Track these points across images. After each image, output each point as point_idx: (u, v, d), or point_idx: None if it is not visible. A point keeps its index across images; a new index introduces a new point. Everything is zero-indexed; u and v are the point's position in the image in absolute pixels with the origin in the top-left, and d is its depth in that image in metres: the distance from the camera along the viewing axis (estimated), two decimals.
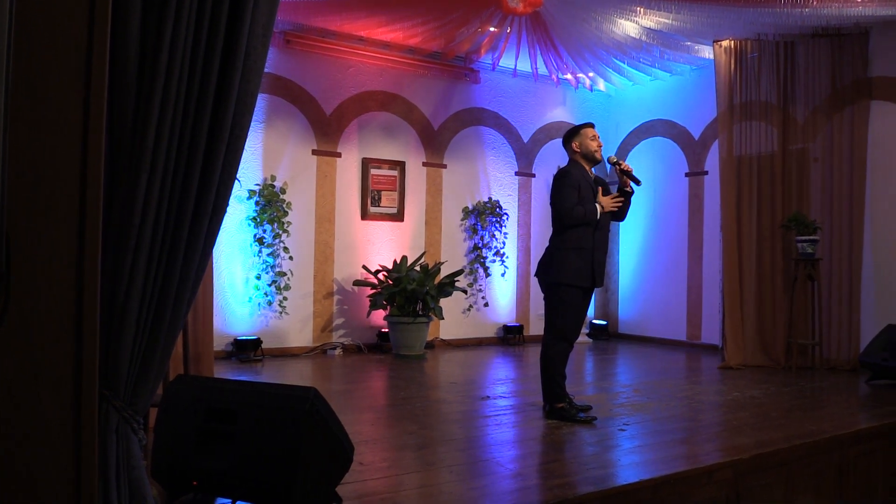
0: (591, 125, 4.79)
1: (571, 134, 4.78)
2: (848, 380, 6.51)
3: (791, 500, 3.99)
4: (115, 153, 2.22)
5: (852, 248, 7.08)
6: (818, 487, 4.17)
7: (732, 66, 7.60)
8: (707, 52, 7.94)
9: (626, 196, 4.77)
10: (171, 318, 2.38)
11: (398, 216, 8.39)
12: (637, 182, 4.75)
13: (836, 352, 7.12)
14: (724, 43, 7.59)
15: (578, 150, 4.73)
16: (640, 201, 9.28)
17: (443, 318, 7.97)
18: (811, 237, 6.97)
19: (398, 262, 8.00)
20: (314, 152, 7.83)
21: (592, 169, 4.77)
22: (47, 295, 1.99)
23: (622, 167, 4.71)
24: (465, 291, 8.51)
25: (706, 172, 8.79)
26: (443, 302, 8.09)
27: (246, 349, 7.12)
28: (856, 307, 7.06)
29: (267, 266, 7.43)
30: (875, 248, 7.13)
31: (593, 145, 4.70)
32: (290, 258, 7.55)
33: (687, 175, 9.03)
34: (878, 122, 7.15)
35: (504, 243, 9.10)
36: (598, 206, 4.58)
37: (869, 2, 6.21)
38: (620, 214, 4.83)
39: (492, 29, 7.49)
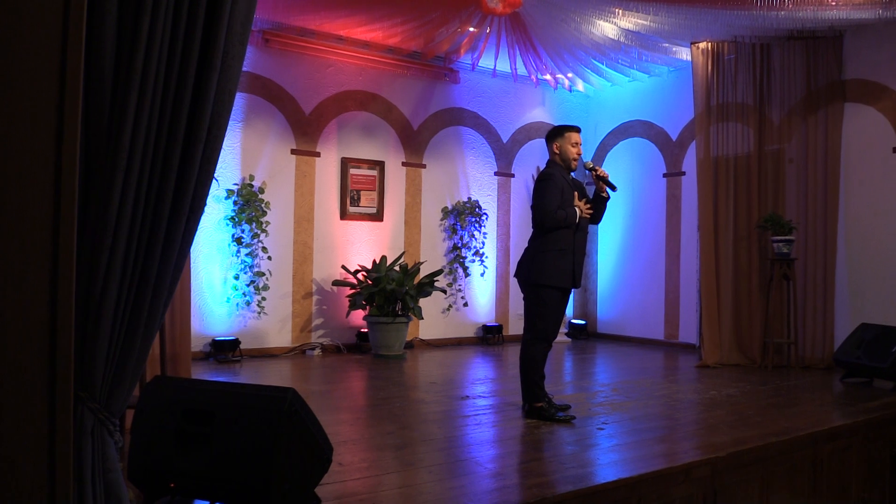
0: (577, 130, 4.78)
1: (555, 134, 4.79)
2: (822, 378, 6.60)
3: (766, 496, 4.04)
4: (90, 151, 2.19)
5: (826, 248, 7.18)
6: (793, 484, 4.23)
7: (709, 67, 7.67)
8: (685, 53, 8.01)
9: (601, 202, 4.80)
10: (147, 319, 2.36)
11: (377, 216, 8.38)
12: (613, 188, 4.78)
13: (810, 350, 7.22)
14: (702, 45, 7.67)
15: (557, 153, 4.75)
16: (619, 202, 9.34)
17: (422, 318, 7.97)
18: (786, 237, 7.05)
19: (377, 262, 7.98)
20: (293, 152, 7.79)
21: (572, 173, 4.80)
22: (20, 295, 1.97)
23: (598, 173, 4.73)
24: (444, 291, 8.51)
25: (684, 173, 8.87)
26: (422, 302, 8.09)
27: (224, 350, 7.07)
28: (830, 306, 7.16)
29: (245, 266, 7.38)
30: (849, 248, 7.24)
31: (573, 152, 4.72)
32: (269, 258, 7.50)
33: (665, 176, 9.10)
34: (852, 123, 7.26)
35: (483, 243, 9.11)
36: (577, 209, 4.61)
37: (843, 5, 6.30)
38: (596, 218, 4.85)
39: (471, 29, 7.50)
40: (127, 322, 2.31)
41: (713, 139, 7.70)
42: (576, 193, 4.69)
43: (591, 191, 4.90)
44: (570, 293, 4.82)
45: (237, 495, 2.59)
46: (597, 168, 4.75)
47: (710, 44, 7.65)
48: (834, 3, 6.26)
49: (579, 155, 4.75)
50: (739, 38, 7.51)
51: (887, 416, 4.98)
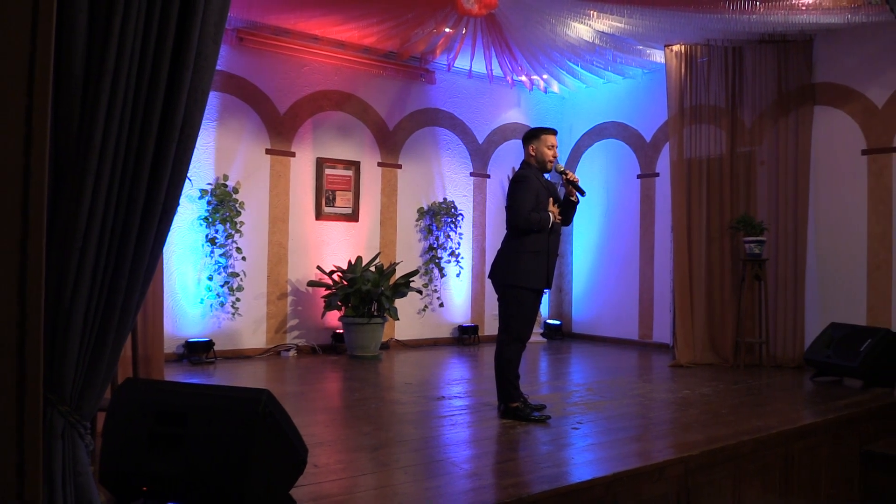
0: (553, 133, 4.82)
1: (531, 136, 4.83)
2: (793, 377, 6.70)
3: (739, 494, 4.09)
4: (60, 152, 2.16)
5: (797, 248, 7.28)
6: (764, 482, 4.28)
7: (683, 70, 7.75)
8: (658, 56, 8.08)
9: (571, 205, 4.83)
10: (119, 321, 2.33)
11: (353, 216, 8.35)
12: (582, 193, 4.80)
13: (782, 350, 7.32)
14: (675, 47, 7.74)
15: (533, 155, 4.78)
16: (594, 203, 9.40)
17: (398, 319, 7.95)
18: (758, 238, 7.15)
19: (353, 262, 7.96)
20: (268, 151, 7.74)
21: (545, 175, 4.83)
22: None
23: (569, 178, 4.76)
24: (420, 292, 8.50)
25: (657, 174, 8.95)
26: (398, 302, 8.07)
27: (198, 351, 7.00)
28: (800, 306, 7.26)
29: (219, 267, 7.31)
30: (818, 249, 7.36)
31: (548, 154, 4.75)
32: (243, 259, 7.44)
33: (639, 177, 9.18)
34: (822, 126, 7.37)
35: (459, 244, 9.12)
36: (550, 214, 4.63)
37: (813, 9, 6.39)
38: (566, 221, 4.89)
39: (447, 30, 7.51)
40: (98, 324, 2.28)
41: (686, 141, 7.78)
42: (550, 199, 4.71)
43: (561, 192, 4.94)
44: (542, 293, 4.86)
45: (211, 498, 2.57)
46: (567, 172, 4.79)
47: (683, 46, 7.72)
48: (804, 8, 6.35)
49: (555, 157, 4.79)
50: (712, 41, 7.60)
51: (856, 414, 5.07)
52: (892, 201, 6.93)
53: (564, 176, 4.77)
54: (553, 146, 4.77)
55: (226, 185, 7.34)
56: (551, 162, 4.77)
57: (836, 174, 7.29)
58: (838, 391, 5.91)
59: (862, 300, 7.05)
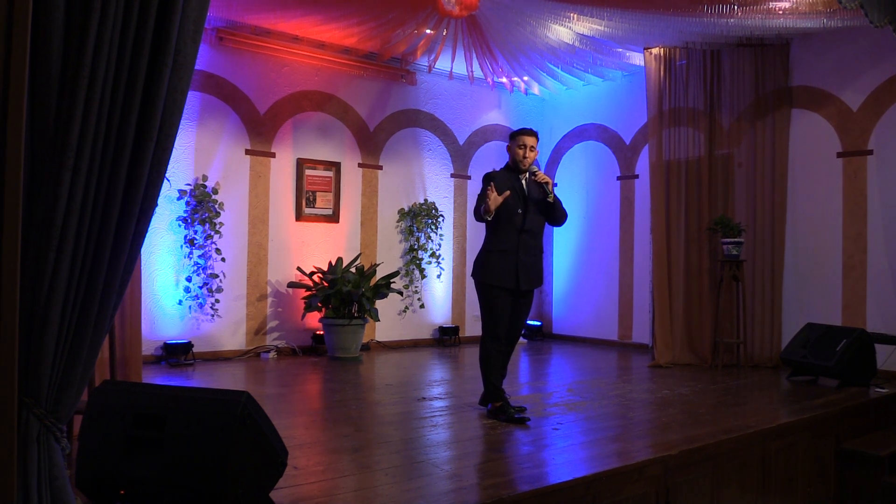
0: (526, 132, 4.80)
1: (510, 137, 4.90)
2: (770, 376, 6.77)
3: (717, 492, 4.12)
4: (36, 150, 2.13)
5: (774, 250, 7.36)
6: (742, 480, 4.32)
7: (662, 72, 7.81)
8: (638, 58, 8.14)
9: (549, 206, 4.79)
10: (96, 322, 2.30)
11: (333, 217, 8.32)
12: (546, 195, 4.74)
13: (759, 350, 7.40)
14: (654, 50, 7.80)
15: (510, 155, 4.83)
16: (574, 204, 9.44)
17: (378, 320, 7.94)
18: (736, 239, 7.22)
19: (333, 263, 7.93)
20: (247, 152, 7.69)
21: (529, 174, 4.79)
22: None
23: (536, 178, 4.74)
24: (400, 293, 8.49)
25: (637, 176, 9.00)
26: (378, 304, 8.06)
27: (176, 353, 6.94)
28: (777, 307, 7.34)
29: (198, 268, 7.26)
30: (795, 250, 7.44)
31: (519, 154, 4.76)
32: (223, 260, 7.39)
33: (619, 178, 9.23)
34: (798, 129, 7.46)
35: (440, 245, 9.12)
36: (489, 199, 4.49)
37: (790, 14, 6.47)
38: (551, 218, 4.87)
39: (428, 31, 7.50)
40: (75, 325, 2.25)
41: (665, 143, 7.84)
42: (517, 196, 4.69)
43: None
44: (524, 295, 4.81)
45: (190, 501, 2.54)
46: (536, 172, 4.77)
47: (662, 49, 7.78)
48: (781, 12, 6.43)
49: (525, 157, 4.75)
50: (691, 44, 7.66)
51: (832, 413, 5.13)
52: (866, 203, 7.03)
53: (534, 177, 4.76)
54: (524, 145, 4.75)
55: (205, 186, 7.29)
56: (522, 162, 4.74)
57: (811, 176, 7.38)
58: (814, 390, 5.98)
59: (837, 301, 7.15)
